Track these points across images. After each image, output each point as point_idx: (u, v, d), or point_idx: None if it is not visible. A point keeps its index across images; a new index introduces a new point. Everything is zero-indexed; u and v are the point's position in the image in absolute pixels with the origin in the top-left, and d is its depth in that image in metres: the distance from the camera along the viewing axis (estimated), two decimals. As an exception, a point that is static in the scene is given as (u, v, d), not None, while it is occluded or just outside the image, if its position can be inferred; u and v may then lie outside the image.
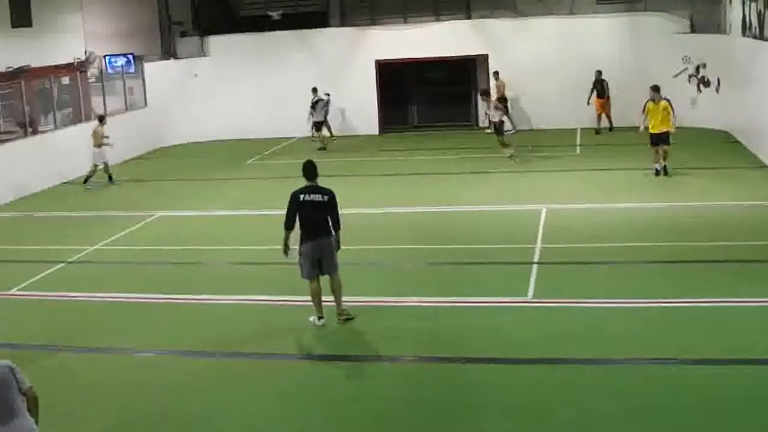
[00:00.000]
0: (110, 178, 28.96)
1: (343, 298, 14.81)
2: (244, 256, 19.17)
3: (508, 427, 10.88)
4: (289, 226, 14.46)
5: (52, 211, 25.17)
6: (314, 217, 14.34)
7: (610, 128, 34.09)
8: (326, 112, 35.16)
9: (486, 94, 30.75)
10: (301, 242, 14.44)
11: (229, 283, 17.48)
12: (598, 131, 33.87)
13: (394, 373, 12.84)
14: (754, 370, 12.22)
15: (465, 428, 10.84)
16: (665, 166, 24.84)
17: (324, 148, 33.58)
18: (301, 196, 14.42)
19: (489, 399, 11.64)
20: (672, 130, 24.81)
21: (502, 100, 33.98)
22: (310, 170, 14.65)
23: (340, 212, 14.61)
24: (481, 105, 31.86)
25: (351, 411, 11.52)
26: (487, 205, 22.52)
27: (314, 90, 34.77)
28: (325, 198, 14.38)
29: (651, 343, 13.15)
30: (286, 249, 14.60)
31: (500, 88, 35.17)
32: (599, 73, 33.83)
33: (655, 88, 24.98)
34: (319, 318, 14.57)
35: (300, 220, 14.40)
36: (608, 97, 33.96)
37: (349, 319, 14.59)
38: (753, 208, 20.90)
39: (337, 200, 14.52)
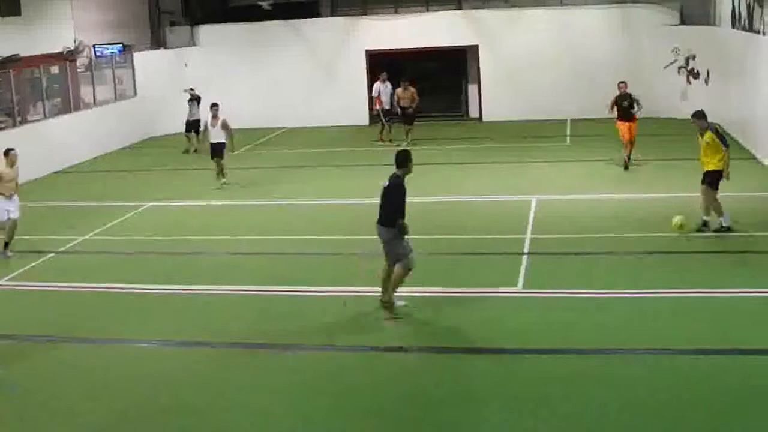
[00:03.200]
0: (6, 245, 19.33)
1: (352, 288, 15.06)
2: (237, 246, 19.15)
3: (506, 416, 10.91)
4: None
5: (41, 200, 25.09)
6: (381, 202, 14.59)
7: (626, 165, 25.48)
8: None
9: (215, 106, 26.17)
10: None
11: (223, 273, 17.46)
12: (626, 166, 25.43)
13: (392, 363, 12.88)
14: (751, 359, 12.31)
15: (463, 418, 10.87)
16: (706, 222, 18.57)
17: (193, 151, 32.03)
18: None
19: (487, 389, 11.70)
20: (722, 168, 18.49)
21: (410, 112, 31.83)
22: (397, 158, 14.70)
23: (400, 205, 14.42)
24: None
25: (350, 402, 11.54)
26: (477, 195, 22.55)
27: (191, 89, 33.01)
28: (387, 183, 14.55)
29: (646, 333, 13.23)
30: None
31: (411, 97, 31.91)
32: (625, 85, 26.08)
33: (697, 115, 18.92)
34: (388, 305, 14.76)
35: None
36: (635, 118, 25.74)
37: (391, 315, 14.37)
38: (743, 200, 20.92)
39: (398, 190, 14.42)
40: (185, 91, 33.10)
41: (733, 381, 11.54)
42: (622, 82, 25.96)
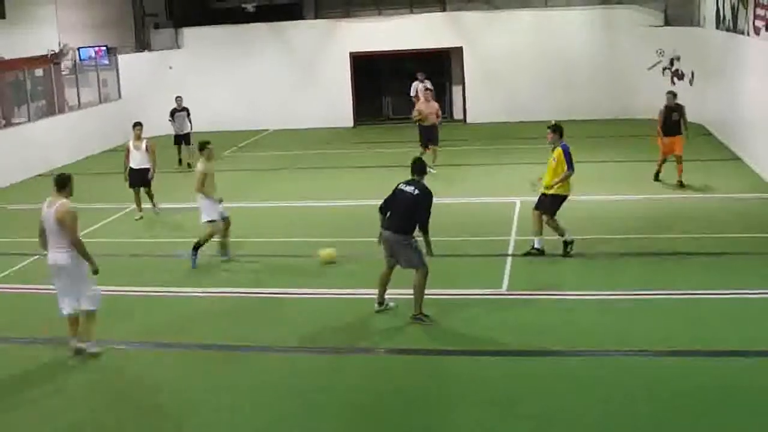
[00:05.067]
0: (224, 247, 18.38)
1: (329, 290, 15.24)
2: (216, 249, 19.08)
3: (481, 417, 10.92)
4: (380, 209, 14.42)
5: (26, 203, 25.01)
6: (395, 208, 14.20)
7: (681, 183, 22.93)
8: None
9: (138, 125, 22.98)
10: None
11: (205, 275, 17.46)
12: (658, 175, 23.56)
13: (368, 364, 12.92)
14: (725, 361, 12.35)
15: (439, 419, 10.92)
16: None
17: (187, 165, 29.15)
18: (400, 185, 14.33)
19: (463, 390, 11.71)
20: (561, 193, 17.42)
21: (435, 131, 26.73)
22: (413, 166, 14.38)
23: (429, 215, 14.16)
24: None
25: (325, 402, 11.55)
26: (461, 197, 22.59)
27: (178, 98, 30.24)
28: (416, 192, 14.06)
29: (624, 334, 13.28)
30: (379, 237, 14.45)
31: (436, 112, 26.97)
32: (673, 95, 23.43)
33: (554, 128, 17.67)
34: (378, 303, 14.64)
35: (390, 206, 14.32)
36: (684, 133, 23.02)
37: (420, 320, 14.14)
38: (726, 201, 21.06)
39: (430, 202, 14.09)
40: (177, 101, 30.20)
41: (707, 381, 11.60)
42: (671, 93, 23.57)
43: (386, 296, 14.69)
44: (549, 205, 17.28)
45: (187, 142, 29.67)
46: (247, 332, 14.28)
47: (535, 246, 17.39)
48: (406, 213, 14.08)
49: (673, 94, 23.34)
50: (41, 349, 13.94)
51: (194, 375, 12.70)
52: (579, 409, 10.97)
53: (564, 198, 17.37)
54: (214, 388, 12.17)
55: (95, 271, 13.13)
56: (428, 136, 26.62)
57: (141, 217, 22.33)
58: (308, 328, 14.29)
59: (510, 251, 17.87)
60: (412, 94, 32.08)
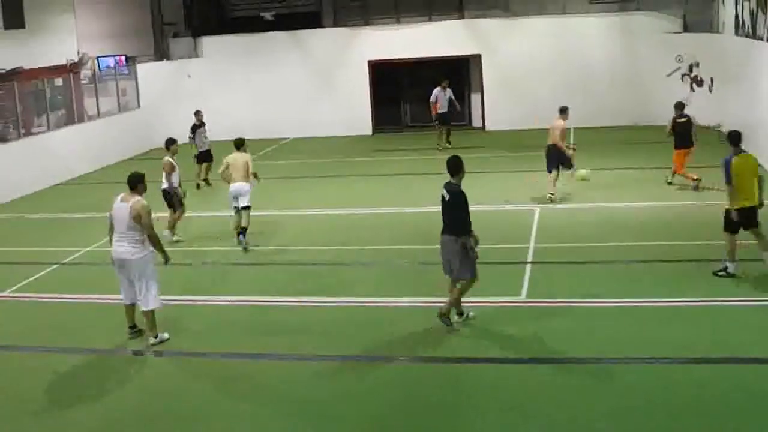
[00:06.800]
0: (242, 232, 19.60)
1: (349, 298, 15.42)
2: (238, 257, 19.13)
3: (500, 425, 10.92)
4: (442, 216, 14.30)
5: (45, 212, 25.13)
6: (442, 214, 14.21)
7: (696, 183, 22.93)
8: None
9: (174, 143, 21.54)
10: None
11: (223, 283, 17.49)
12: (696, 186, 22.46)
13: (387, 372, 12.89)
14: (747, 368, 12.27)
15: (457, 427, 10.87)
16: None
17: (205, 183, 27.60)
18: (443, 188, 14.26)
19: (482, 398, 11.69)
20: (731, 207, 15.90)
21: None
22: (448, 166, 14.25)
23: (466, 214, 14.04)
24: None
25: (344, 411, 11.55)
26: (480, 204, 22.45)
27: (197, 113, 27.97)
28: (447, 196, 14.07)
29: (643, 341, 13.21)
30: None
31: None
32: (681, 107, 23.76)
33: (733, 140, 16.26)
34: (458, 314, 14.47)
35: None
36: (691, 145, 23.37)
37: (445, 322, 14.12)
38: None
39: (462, 201, 13.99)
40: (196, 116, 27.82)
41: (726, 389, 11.54)
42: (679, 103, 23.82)
43: (464, 306, 14.62)
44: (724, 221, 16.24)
45: (210, 159, 27.56)
46: (267, 340, 14.29)
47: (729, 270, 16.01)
48: (447, 215, 14.13)
49: (680, 106, 23.71)
50: (56, 357, 13.98)
51: (214, 383, 12.70)
52: (599, 417, 10.92)
53: (729, 213, 15.95)
54: (233, 395, 12.19)
55: (166, 261, 14.30)
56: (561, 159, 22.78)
57: (177, 241, 20.34)
58: (328, 336, 14.30)
59: (529, 259, 17.82)
60: (432, 100, 32.21)
